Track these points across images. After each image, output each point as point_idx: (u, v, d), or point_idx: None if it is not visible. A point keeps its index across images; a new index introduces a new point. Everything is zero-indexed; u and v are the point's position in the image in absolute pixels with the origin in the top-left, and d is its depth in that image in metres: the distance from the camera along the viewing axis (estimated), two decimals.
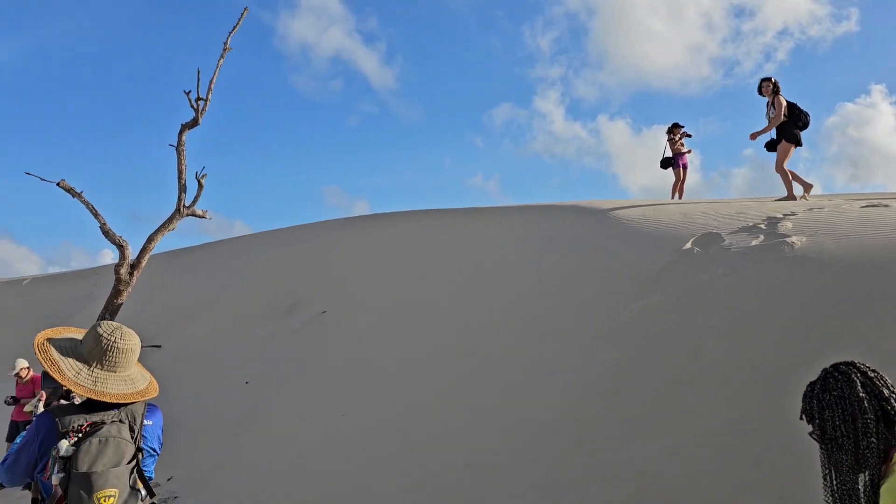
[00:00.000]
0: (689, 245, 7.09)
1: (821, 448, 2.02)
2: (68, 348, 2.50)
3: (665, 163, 12.94)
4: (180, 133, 13.49)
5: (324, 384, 8.81)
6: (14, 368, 9.40)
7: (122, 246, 13.30)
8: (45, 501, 2.34)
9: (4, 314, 20.37)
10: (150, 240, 13.65)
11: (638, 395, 5.29)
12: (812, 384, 2.07)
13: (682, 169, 12.91)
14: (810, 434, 2.04)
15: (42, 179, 12.50)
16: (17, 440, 2.48)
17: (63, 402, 8.84)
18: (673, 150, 12.93)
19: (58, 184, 12.78)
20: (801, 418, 2.07)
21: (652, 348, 5.71)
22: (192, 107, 13.36)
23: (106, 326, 2.54)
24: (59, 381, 2.39)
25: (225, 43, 13.76)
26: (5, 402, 9.39)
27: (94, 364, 2.46)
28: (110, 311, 13.16)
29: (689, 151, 13.01)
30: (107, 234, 13.35)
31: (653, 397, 5.16)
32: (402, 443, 6.52)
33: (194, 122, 13.52)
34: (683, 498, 4.17)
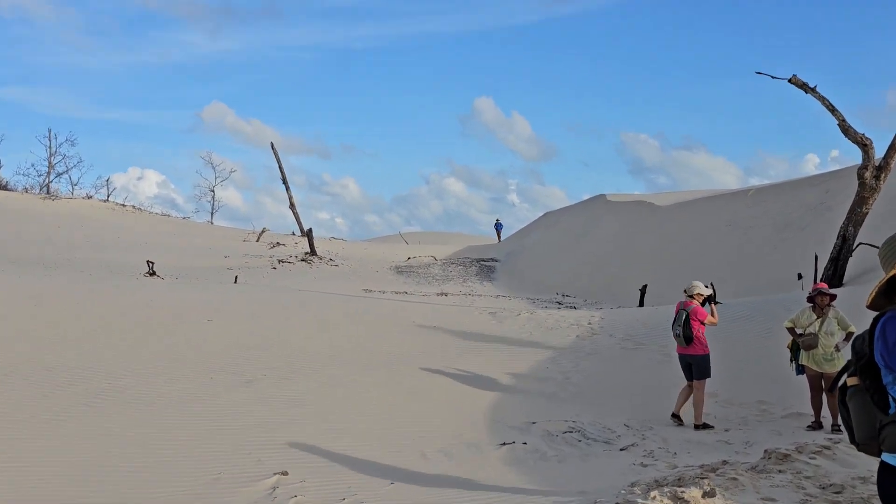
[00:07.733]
0: None
1: None
2: None
3: None
4: None
5: None
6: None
7: (864, 145, 11.34)
8: None
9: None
10: None
11: None
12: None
13: None
14: None
15: (773, 77, 11.52)
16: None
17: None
18: None
19: (790, 80, 11.60)
20: None
21: None
22: None
23: None
24: None
25: None
26: None
27: None
28: (853, 221, 11.37)
29: None
30: (846, 131, 11.55)
31: None
32: None
33: None
34: None
